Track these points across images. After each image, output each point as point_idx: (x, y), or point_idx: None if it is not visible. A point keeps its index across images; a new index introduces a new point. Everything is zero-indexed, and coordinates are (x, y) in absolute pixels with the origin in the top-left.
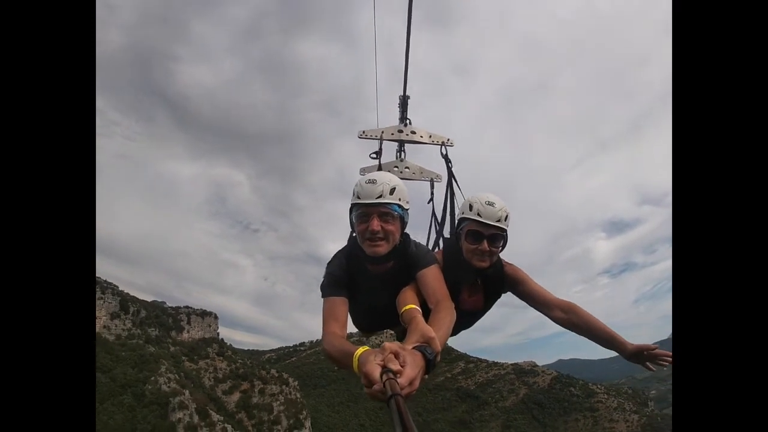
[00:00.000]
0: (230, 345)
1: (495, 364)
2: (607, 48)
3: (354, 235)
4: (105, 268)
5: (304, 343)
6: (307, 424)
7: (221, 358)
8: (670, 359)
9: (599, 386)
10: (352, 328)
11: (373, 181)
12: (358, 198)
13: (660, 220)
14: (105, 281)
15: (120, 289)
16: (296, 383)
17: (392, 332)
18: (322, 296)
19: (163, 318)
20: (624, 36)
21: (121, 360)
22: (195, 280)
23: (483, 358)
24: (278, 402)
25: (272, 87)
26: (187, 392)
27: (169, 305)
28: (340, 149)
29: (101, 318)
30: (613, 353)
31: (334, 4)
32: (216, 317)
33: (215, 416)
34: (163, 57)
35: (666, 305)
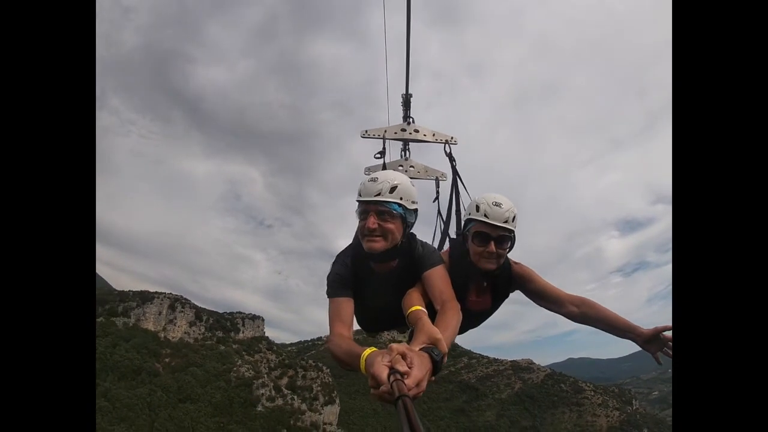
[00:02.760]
0: (274, 341)
1: (495, 360)
2: (620, 46)
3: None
4: (124, 262)
5: (321, 337)
6: (337, 400)
7: (270, 351)
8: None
9: (587, 384)
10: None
11: (374, 180)
12: (360, 196)
13: None
14: (182, 297)
15: (193, 302)
16: (328, 370)
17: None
18: (328, 296)
19: (223, 322)
20: (637, 33)
21: (207, 357)
22: (210, 274)
23: (486, 355)
24: (316, 384)
25: (286, 86)
26: (265, 375)
27: (225, 311)
28: (353, 147)
29: (182, 326)
30: (623, 353)
31: (346, 4)
32: (263, 320)
33: (286, 391)
34: (178, 58)
35: None
